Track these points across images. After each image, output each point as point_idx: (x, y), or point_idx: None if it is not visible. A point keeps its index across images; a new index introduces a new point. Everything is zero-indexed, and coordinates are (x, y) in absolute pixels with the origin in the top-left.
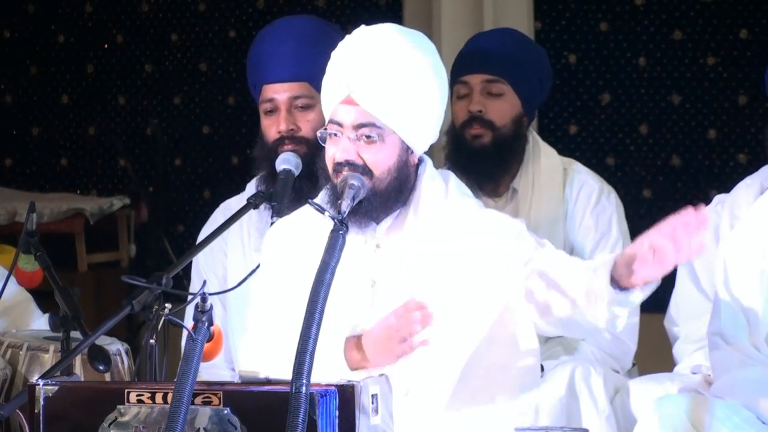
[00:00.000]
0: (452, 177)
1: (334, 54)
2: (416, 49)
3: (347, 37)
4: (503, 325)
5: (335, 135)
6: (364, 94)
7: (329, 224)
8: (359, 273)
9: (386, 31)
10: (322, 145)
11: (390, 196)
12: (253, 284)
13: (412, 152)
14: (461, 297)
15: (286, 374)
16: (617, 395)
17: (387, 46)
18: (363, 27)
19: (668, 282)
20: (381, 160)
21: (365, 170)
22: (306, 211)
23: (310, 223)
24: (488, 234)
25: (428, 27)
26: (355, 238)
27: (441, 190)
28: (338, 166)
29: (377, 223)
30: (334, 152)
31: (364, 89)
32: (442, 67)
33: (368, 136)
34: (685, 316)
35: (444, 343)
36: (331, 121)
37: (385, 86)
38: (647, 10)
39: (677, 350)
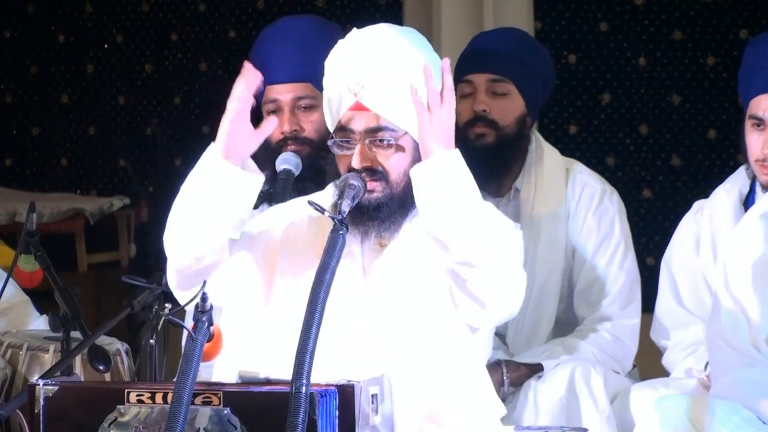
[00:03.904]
0: None
1: (332, 60)
2: (416, 47)
3: (342, 42)
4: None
5: (347, 142)
6: (373, 99)
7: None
8: (359, 268)
9: (383, 32)
10: (333, 152)
11: (407, 198)
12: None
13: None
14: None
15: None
16: (617, 398)
17: (387, 48)
18: (356, 30)
19: None
20: (397, 163)
21: (382, 175)
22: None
23: (306, 215)
24: None
25: (428, 27)
26: (357, 235)
27: None
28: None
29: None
30: (348, 161)
31: (372, 94)
32: (438, 60)
33: (382, 140)
34: (670, 328)
35: (436, 342)
36: (341, 129)
37: (392, 89)
38: (647, 10)
39: (667, 360)
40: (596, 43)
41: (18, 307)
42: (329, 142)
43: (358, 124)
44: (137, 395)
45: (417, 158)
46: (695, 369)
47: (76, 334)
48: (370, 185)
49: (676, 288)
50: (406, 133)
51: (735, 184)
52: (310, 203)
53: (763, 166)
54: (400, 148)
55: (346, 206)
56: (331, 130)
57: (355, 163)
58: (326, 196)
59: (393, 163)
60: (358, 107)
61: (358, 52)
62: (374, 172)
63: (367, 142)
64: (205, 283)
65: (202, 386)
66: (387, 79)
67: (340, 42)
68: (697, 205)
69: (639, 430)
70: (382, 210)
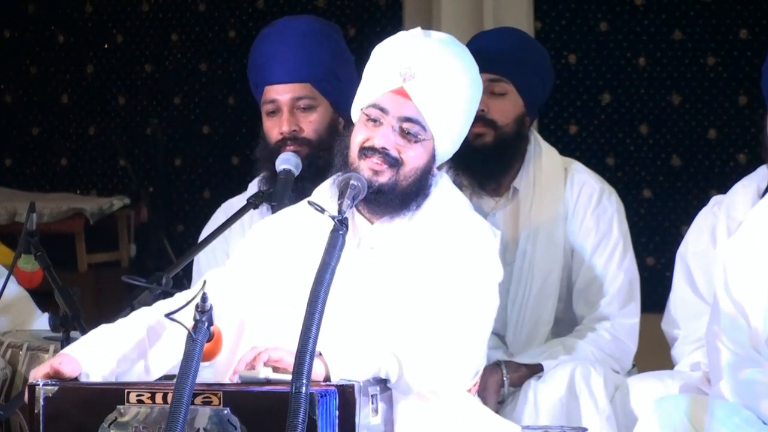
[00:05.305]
0: (445, 175)
1: (390, 43)
2: (470, 70)
3: (407, 32)
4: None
5: (374, 121)
6: (420, 91)
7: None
8: (352, 274)
9: (450, 40)
10: (352, 123)
11: (409, 195)
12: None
13: (434, 162)
14: (445, 298)
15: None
16: (617, 393)
17: (449, 56)
18: (419, 29)
19: (668, 282)
20: (413, 158)
21: (396, 162)
22: (303, 206)
23: (306, 217)
24: (462, 243)
25: (428, 27)
26: (350, 237)
27: (435, 186)
28: (370, 151)
29: (372, 224)
30: (368, 135)
31: (420, 87)
32: (480, 91)
33: (410, 132)
34: (683, 317)
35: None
36: (373, 106)
37: (439, 92)
38: (647, 10)
39: (676, 351)
40: (596, 43)
41: (19, 304)
42: (352, 111)
43: (395, 108)
44: (137, 395)
45: (429, 165)
46: (703, 363)
47: (76, 334)
48: (380, 167)
49: (692, 277)
50: (432, 138)
51: (753, 180)
52: (310, 203)
53: None
54: (421, 147)
55: (345, 206)
56: (361, 105)
57: (377, 142)
58: (323, 191)
59: (411, 157)
60: (401, 92)
61: (421, 44)
62: (389, 156)
63: (396, 127)
64: (205, 282)
65: (202, 386)
66: (437, 83)
67: (405, 32)
68: (715, 199)
69: (639, 430)
70: (381, 195)
